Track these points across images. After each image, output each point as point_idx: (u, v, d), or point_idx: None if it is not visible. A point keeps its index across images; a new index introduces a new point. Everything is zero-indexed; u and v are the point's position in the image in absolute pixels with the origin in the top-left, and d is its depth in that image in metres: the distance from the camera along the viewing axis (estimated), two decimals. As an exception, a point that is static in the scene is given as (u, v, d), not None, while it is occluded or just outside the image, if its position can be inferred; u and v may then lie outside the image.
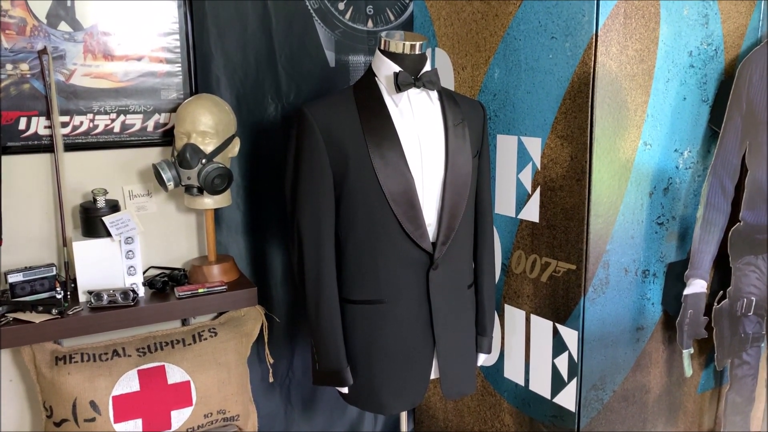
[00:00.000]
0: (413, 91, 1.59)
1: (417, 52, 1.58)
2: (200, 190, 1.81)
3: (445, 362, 1.66)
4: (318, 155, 1.54)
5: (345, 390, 1.68)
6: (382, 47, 1.59)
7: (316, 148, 1.53)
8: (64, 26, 1.77)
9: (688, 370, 2.01)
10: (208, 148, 1.79)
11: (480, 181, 1.73)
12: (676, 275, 1.91)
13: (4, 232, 1.76)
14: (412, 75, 1.56)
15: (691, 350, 1.98)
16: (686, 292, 1.91)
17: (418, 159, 1.57)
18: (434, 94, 1.63)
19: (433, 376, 1.69)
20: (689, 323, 1.92)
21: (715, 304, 1.94)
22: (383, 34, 1.60)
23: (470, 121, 1.67)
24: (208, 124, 1.78)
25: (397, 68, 1.56)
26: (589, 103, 1.64)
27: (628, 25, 1.64)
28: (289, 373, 2.25)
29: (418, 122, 1.58)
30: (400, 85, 1.54)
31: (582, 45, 1.63)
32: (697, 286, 1.90)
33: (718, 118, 1.86)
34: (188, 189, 1.81)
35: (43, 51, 1.74)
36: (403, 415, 1.99)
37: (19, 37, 1.73)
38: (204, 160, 1.77)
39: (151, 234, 1.97)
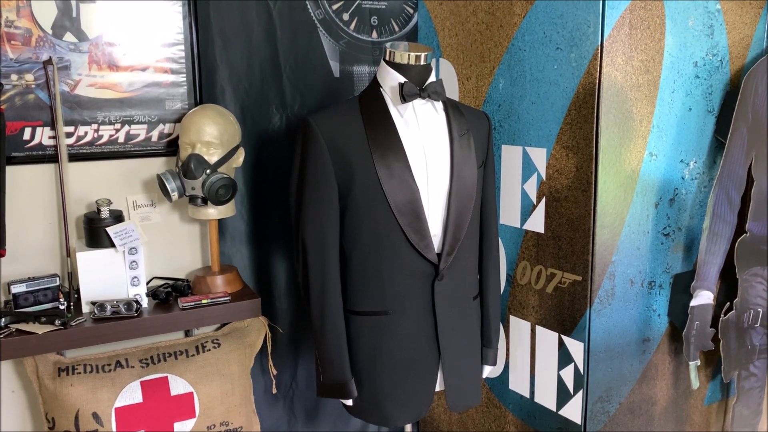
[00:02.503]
0: (418, 102, 1.58)
1: (422, 62, 1.57)
2: (204, 201, 1.80)
3: (451, 374, 1.65)
4: (323, 166, 1.53)
5: (349, 402, 1.67)
6: (387, 58, 1.59)
7: (321, 159, 1.53)
8: (69, 37, 1.77)
9: (695, 383, 2.00)
10: (213, 159, 1.78)
11: (485, 191, 1.73)
12: (682, 286, 1.90)
13: (8, 242, 1.75)
14: (417, 86, 1.56)
15: (698, 362, 1.96)
16: (693, 303, 1.90)
17: (424, 170, 1.56)
18: (439, 105, 1.62)
19: (437, 388, 1.68)
20: (696, 335, 1.91)
21: (722, 315, 1.93)
22: (388, 44, 1.60)
23: (475, 131, 1.67)
24: (213, 134, 1.78)
25: (402, 79, 1.56)
26: (595, 114, 1.64)
27: (633, 35, 1.64)
28: (292, 384, 2.24)
29: (423, 133, 1.58)
30: (405, 96, 1.54)
31: (587, 56, 1.63)
32: (703, 298, 1.89)
33: (723, 129, 1.85)
34: (192, 199, 1.81)
35: (49, 61, 1.75)
36: (408, 428, 1.97)
37: (24, 48, 1.73)
38: (208, 171, 1.77)
39: (155, 244, 1.96)
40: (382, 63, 1.61)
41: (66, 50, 1.78)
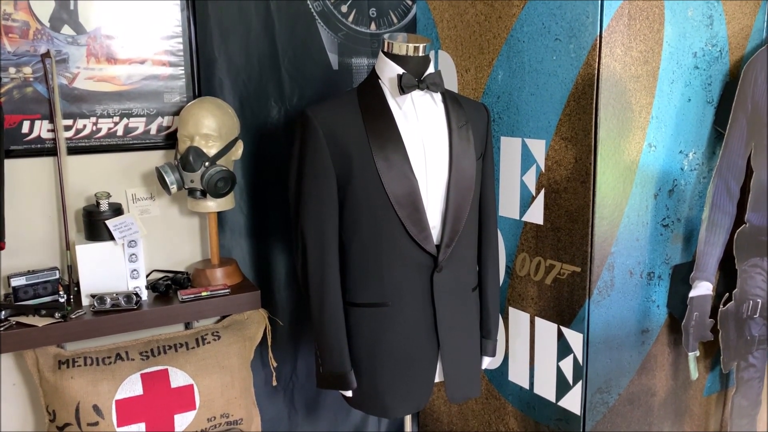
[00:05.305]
0: (417, 94, 1.58)
1: (420, 53, 1.57)
2: (203, 194, 1.80)
3: (450, 365, 1.65)
4: (321, 158, 1.53)
5: (349, 393, 1.67)
6: (385, 49, 1.59)
7: (319, 151, 1.53)
8: (67, 29, 1.77)
9: (694, 373, 2.00)
10: (211, 151, 1.78)
11: (484, 183, 1.72)
12: (681, 277, 1.90)
13: (7, 235, 1.75)
14: (415, 77, 1.56)
15: (697, 353, 1.97)
16: (692, 294, 1.90)
17: (422, 161, 1.56)
18: (438, 97, 1.62)
19: (437, 380, 1.68)
20: (695, 326, 1.91)
21: (721, 306, 1.93)
22: (386, 36, 1.59)
23: (474, 123, 1.67)
24: (211, 127, 1.77)
25: (400, 70, 1.55)
26: (594, 105, 1.63)
27: (632, 26, 1.64)
28: (292, 377, 2.24)
29: (422, 124, 1.58)
30: (403, 87, 1.53)
31: (586, 46, 1.63)
32: (702, 289, 1.89)
33: (723, 120, 1.85)
34: (191, 192, 1.80)
35: (46, 54, 1.74)
36: (408, 419, 1.98)
37: (22, 41, 1.73)
38: (207, 163, 1.76)
39: (155, 237, 1.96)
40: (381, 54, 1.60)
41: (64, 43, 1.77)
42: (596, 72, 1.61)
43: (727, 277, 1.97)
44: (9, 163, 1.73)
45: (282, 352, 2.19)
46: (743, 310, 1.91)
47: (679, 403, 2.03)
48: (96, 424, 1.72)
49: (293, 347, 2.22)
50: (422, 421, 2.47)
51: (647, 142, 1.74)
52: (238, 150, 1.87)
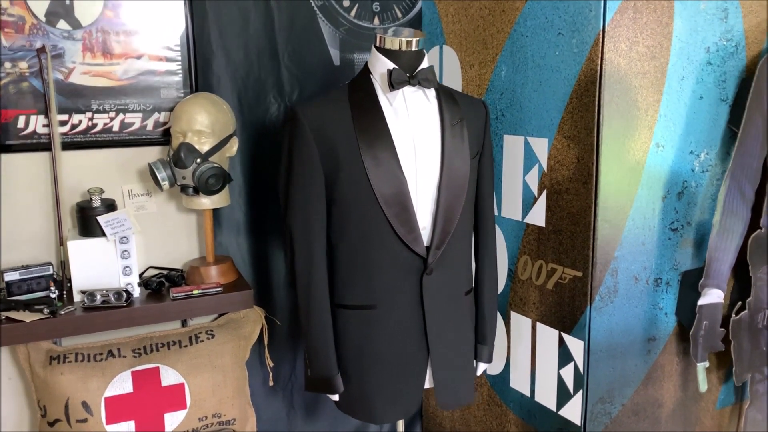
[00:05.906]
0: (409, 90, 1.53)
1: (413, 48, 1.52)
2: (196, 190, 1.77)
3: (440, 371, 1.60)
4: (309, 156, 1.49)
5: (336, 397, 1.63)
6: (377, 44, 1.54)
7: (307, 150, 1.49)
8: (63, 24, 1.76)
9: (703, 385, 1.91)
10: (204, 148, 1.75)
11: (481, 182, 1.66)
12: (691, 284, 1.81)
13: (2, 230, 1.76)
14: (407, 72, 1.50)
15: (707, 364, 1.87)
16: (701, 302, 1.80)
17: (412, 160, 1.50)
18: (431, 93, 1.56)
19: (427, 385, 1.63)
20: (704, 335, 1.82)
21: (733, 315, 1.83)
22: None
23: (470, 120, 1.61)
24: (204, 123, 1.75)
25: (391, 65, 1.50)
26: (596, 102, 1.56)
27: (638, 20, 1.56)
28: (291, 377, 2.21)
29: (413, 121, 1.52)
30: (393, 83, 1.48)
31: (589, 41, 1.55)
32: (713, 296, 1.80)
33: (738, 119, 1.75)
34: (183, 189, 1.78)
35: (42, 49, 1.74)
36: (400, 423, 1.92)
37: (17, 36, 1.72)
38: (199, 160, 1.74)
39: (151, 234, 1.95)
40: (373, 49, 1.55)
41: (59, 38, 1.76)
42: (599, 68, 1.54)
43: (741, 284, 1.87)
44: (4, 158, 1.73)
45: (281, 352, 2.16)
46: (758, 320, 1.81)
47: (689, 415, 1.94)
48: (85, 420, 1.71)
49: (292, 347, 2.19)
50: (425, 425, 2.42)
51: (655, 141, 1.66)
52: (233, 147, 1.84)
